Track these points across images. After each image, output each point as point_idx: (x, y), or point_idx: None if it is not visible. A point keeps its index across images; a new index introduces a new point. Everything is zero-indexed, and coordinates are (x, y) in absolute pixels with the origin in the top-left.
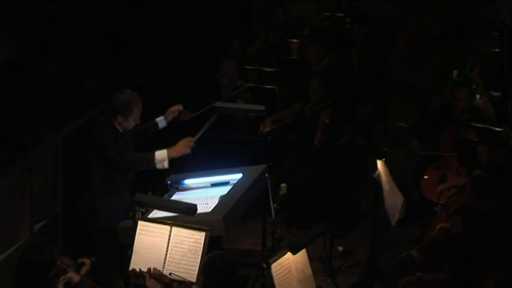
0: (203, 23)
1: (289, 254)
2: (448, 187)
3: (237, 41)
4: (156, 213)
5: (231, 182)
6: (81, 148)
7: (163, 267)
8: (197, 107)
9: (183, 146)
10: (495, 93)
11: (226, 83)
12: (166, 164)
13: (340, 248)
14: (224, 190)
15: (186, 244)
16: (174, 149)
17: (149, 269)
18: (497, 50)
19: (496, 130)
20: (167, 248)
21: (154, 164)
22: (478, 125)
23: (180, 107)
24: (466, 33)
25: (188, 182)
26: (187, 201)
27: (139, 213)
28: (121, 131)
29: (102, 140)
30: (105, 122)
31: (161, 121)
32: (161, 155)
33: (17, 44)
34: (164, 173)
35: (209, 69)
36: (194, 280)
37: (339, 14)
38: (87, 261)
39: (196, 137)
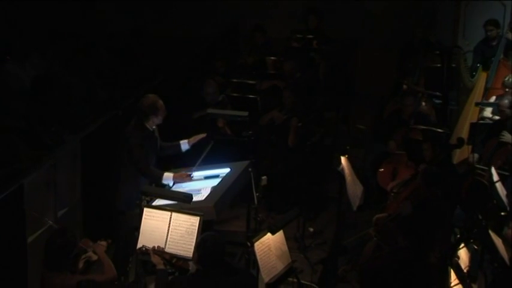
0: (197, 44)
1: (269, 234)
2: (397, 184)
3: (221, 60)
4: (159, 201)
5: (220, 175)
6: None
7: (165, 246)
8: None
9: (185, 177)
10: (437, 101)
11: (209, 100)
12: (171, 183)
13: (311, 229)
14: (215, 182)
15: (183, 227)
16: (178, 176)
17: (153, 247)
18: (438, 65)
19: (437, 131)
20: (168, 230)
21: (161, 182)
22: (423, 127)
23: (202, 135)
24: (414, 52)
25: None
26: (184, 191)
27: (145, 202)
28: (151, 129)
29: (132, 141)
30: (137, 124)
31: (184, 144)
32: (168, 177)
33: (43, 62)
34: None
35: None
36: (190, 256)
37: (308, 36)
38: (103, 242)
39: (196, 166)
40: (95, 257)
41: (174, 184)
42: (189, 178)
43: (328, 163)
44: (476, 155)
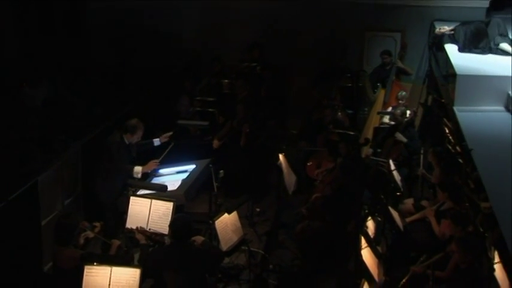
0: (171, 70)
1: (226, 214)
2: (321, 171)
3: (188, 81)
4: (142, 191)
5: (188, 170)
6: (95, 150)
7: (147, 225)
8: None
9: (151, 165)
10: (349, 111)
11: (183, 111)
12: (139, 176)
13: (258, 209)
14: (184, 175)
15: (161, 210)
16: (145, 167)
17: (137, 227)
18: (349, 84)
19: (350, 134)
20: (149, 213)
21: (132, 175)
22: (339, 130)
23: (170, 133)
24: (330, 75)
25: (161, 171)
26: (161, 183)
27: (131, 191)
28: (127, 142)
29: (112, 146)
30: (118, 135)
31: (156, 141)
32: (137, 170)
33: (52, 86)
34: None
35: (173, 99)
36: (166, 233)
37: (253, 64)
38: (98, 224)
39: (160, 158)
40: (91, 235)
41: (150, 176)
42: (156, 164)
43: (270, 159)
44: (371, 150)
